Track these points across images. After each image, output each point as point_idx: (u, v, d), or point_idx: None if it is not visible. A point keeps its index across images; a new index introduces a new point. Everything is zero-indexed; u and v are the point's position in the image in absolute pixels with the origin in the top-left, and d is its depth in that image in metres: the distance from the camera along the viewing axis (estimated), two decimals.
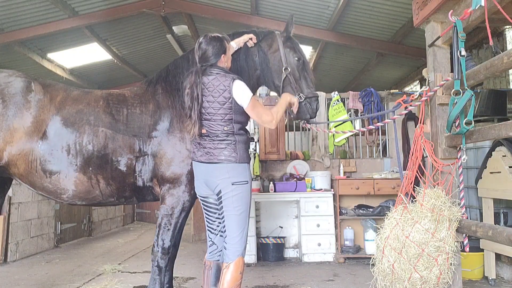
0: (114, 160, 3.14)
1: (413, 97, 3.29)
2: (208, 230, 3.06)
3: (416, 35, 7.27)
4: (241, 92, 2.82)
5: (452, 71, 2.89)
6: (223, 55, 2.93)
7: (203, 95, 2.83)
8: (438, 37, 3.11)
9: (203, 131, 2.86)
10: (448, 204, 2.86)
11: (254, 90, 3.37)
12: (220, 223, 2.96)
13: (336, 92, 6.47)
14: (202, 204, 3.03)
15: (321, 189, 6.09)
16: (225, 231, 2.84)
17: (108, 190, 3.20)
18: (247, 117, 2.95)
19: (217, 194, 2.85)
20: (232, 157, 2.80)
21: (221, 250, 2.98)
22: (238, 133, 2.86)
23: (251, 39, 3.33)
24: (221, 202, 2.84)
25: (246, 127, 3.00)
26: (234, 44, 3.24)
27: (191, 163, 3.06)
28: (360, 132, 6.72)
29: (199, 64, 2.91)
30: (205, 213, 3.04)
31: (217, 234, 3.01)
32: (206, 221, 3.05)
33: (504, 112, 5.64)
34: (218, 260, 3.00)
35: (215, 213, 2.98)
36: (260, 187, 6.13)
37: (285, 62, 3.25)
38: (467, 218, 2.98)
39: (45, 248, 7.06)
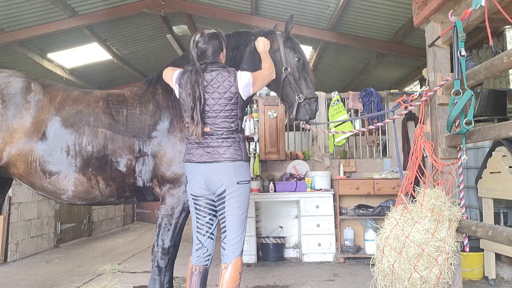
0: (114, 161, 3.13)
1: (413, 97, 3.29)
2: (197, 231, 2.92)
3: (416, 35, 7.27)
4: (244, 80, 2.80)
5: (452, 71, 2.89)
6: (221, 53, 2.91)
7: (207, 92, 2.76)
8: (438, 37, 3.10)
9: (207, 129, 2.76)
10: (448, 204, 2.86)
11: None
12: (212, 225, 2.90)
13: (336, 92, 6.47)
14: (194, 204, 2.89)
15: (321, 189, 6.08)
16: (224, 231, 2.80)
17: (107, 190, 3.20)
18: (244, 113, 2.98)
19: (219, 195, 2.77)
20: (237, 155, 2.77)
21: (210, 254, 2.90)
22: (240, 130, 2.86)
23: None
24: (222, 203, 2.77)
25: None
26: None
27: None
28: (360, 132, 6.71)
29: (198, 63, 2.84)
30: (195, 213, 2.91)
31: (208, 237, 2.90)
32: (196, 221, 2.92)
33: (504, 112, 5.65)
34: (207, 265, 2.90)
35: (209, 213, 2.89)
36: (260, 187, 6.13)
37: (285, 62, 3.23)
38: (467, 218, 2.97)
39: (45, 248, 7.05)
